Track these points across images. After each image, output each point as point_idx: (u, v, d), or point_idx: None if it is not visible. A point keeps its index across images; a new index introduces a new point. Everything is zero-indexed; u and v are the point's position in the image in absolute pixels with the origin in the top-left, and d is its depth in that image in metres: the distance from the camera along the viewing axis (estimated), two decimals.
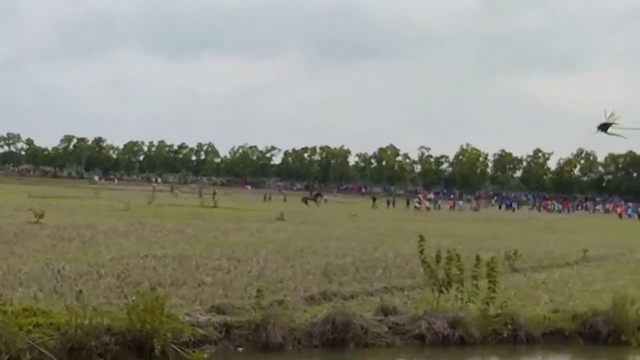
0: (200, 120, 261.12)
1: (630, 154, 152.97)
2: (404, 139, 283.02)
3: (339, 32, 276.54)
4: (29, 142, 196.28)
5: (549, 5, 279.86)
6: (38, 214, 34.12)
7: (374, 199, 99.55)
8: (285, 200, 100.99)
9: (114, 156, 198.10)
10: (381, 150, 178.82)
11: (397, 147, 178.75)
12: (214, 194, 74.88)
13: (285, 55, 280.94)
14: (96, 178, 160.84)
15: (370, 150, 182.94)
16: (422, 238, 16.92)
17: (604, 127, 2.66)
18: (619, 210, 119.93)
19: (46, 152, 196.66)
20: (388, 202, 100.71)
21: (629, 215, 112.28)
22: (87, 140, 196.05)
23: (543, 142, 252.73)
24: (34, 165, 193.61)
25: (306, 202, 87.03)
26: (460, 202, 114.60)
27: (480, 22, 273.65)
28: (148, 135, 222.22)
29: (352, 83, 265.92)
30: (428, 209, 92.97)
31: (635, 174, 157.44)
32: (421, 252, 16.82)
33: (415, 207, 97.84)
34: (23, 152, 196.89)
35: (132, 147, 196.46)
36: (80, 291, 13.98)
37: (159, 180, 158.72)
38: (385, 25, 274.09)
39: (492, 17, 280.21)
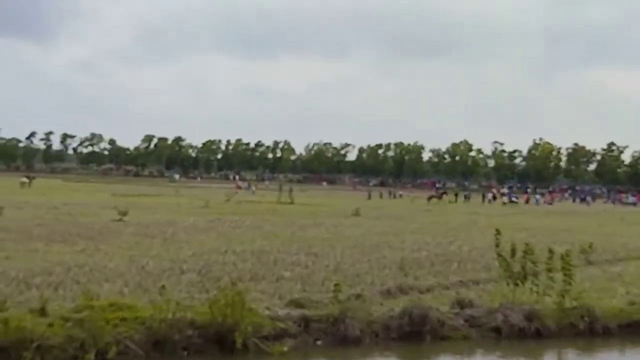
0: (276, 118, 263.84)
1: None
2: (476, 134, 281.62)
3: (410, 29, 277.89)
4: (112, 142, 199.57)
5: None
6: (121, 212, 34.97)
7: (436, 196, 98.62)
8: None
9: (193, 155, 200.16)
10: (454, 145, 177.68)
11: (471, 142, 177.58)
12: (290, 190, 75.26)
13: (357, 53, 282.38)
14: (177, 176, 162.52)
15: (443, 146, 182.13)
16: (498, 232, 17.04)
17: None
18: None
19: (128, 152, 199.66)
20: (465, 197, 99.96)
21: None
22: (167, 140, 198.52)
23: (617, 135, 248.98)
24: (116, 165, 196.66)
25: (429, 200, 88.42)
26: (537, 196, 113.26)
27: (550, 16, 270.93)
28: (225, 133, 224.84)
29: (424, 80, 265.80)
30: (504, 203, 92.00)
31: None
32: (497, 245, 16.93)
33: (489, 201, 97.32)
34: (106, 152, 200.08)
35: (210, 146, 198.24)
36: (164, 286, 14.40)
37: (237, 177, 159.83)
38: (456, 22, 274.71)
39: (561, 11, 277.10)
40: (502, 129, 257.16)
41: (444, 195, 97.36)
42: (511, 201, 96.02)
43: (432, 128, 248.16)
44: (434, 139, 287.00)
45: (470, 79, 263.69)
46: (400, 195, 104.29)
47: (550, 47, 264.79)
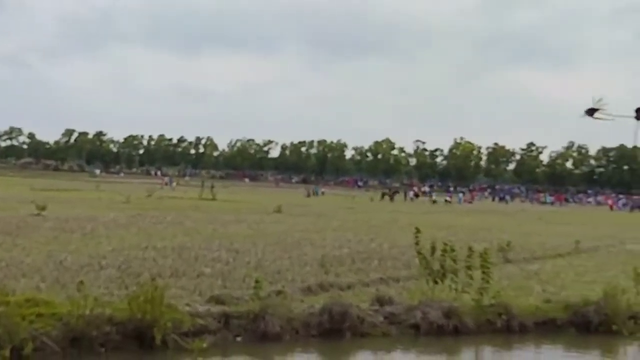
0: (201, 116, 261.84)
1: (622, 147, 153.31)
2: (401, 133, 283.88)
3: (340, 28, 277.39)
4: (31, 136, 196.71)
5: (546, 1, 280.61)
6: (40, 207, 34.46)
7: (388, 194, 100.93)
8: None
9: (115, 150, 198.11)
10: (377, 143, 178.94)
11: (393, 140, 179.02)
12: (212, 186, 75.04)
13: (285, 51, 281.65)
14: (97, 171, 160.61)
15: (366, 144, 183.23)
16: (418, 230, 17.21)
17: (590, 112, 2.87)
18: (610, 202, 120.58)
19: (48, 146, 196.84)
20: (390, 196, 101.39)
21: (619, 208, 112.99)
22: (88, 134, 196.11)
23: (536, 136, 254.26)
24: (35, 159, 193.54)
25: (382, 197, 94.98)
26: (460, 195, 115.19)
27: (479, 18, 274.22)
28: (148, 129, 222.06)
29: (351, 78, 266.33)
30: (434, 202, 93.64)
31: (626, 167, 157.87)
32: (417, 243, 17.11)
33: (411, 198, 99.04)
34: (25, 146, 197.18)
35: (132, 141, 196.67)
36: (82, 282, 14.17)
37: (159, 173, 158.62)
38: (386, 22, 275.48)
39: (490, 14, 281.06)
40: (427, 129, 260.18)
41: (396, 194, 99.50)
42: (446, 200, 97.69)
43: (358, 127, 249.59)
44: (358, 137, 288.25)
45: (398, 79, 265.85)
46: (323, 193, 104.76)
47: (478, 49, 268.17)
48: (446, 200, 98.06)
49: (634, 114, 3.12)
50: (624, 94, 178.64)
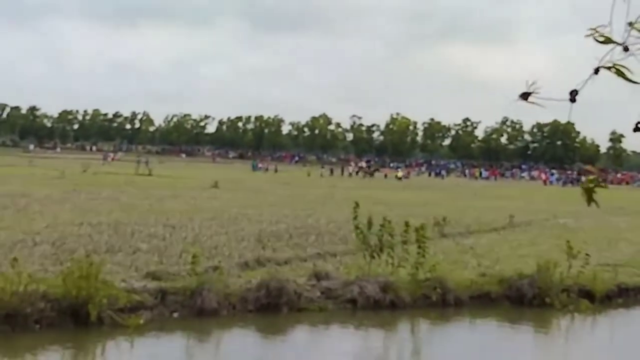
0: (136, 90, 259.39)
1: (555, 123, 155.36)
2: (337, 109, 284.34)
3: (276, 3, 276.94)
4: None
5: None
6: None
7: (367, 171, 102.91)
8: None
9: (49, 125, 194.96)
10: (314, 119, 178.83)
11: (330, 116, 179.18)
12: (147, 162, 74.39)
13: (221, 25, 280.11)
14: (31, 146, 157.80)
15: (303, 120, 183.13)
16: (357, 205, 17.26)
17: (524, 97, 2.90)
18: (543, 177, 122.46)
19: None
20: (370, 173, 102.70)
21: (551, 182, 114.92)
22: (21, 109, 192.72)
23: (471, 111, 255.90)
24: None
25: (364, 175, 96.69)
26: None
27: None
28: (83, 104, 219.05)
29: (288, 53, 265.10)
30: (400, 178, 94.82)
31: (559, 143, 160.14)
32: (355, 217, 17.16)
33: (349, 174, 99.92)
34: None
35: (66, 116, 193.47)
36: (15, 259, 13.95)
37: (94, 148, 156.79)
38: None
39: None
40: (362, 104, 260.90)
41: (376, 172, 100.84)
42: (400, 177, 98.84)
43: (294, 102, 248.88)
44: (295, 112, 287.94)
45: (333, 54, 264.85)
46: (263, 169, 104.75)
47: (413, 24, 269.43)
48: (400, 177, 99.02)
49: (569, 97, 3.14)
50: (557, 71, 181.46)
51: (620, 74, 3.09)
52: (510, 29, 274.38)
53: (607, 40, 3.12)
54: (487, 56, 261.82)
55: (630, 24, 3.12)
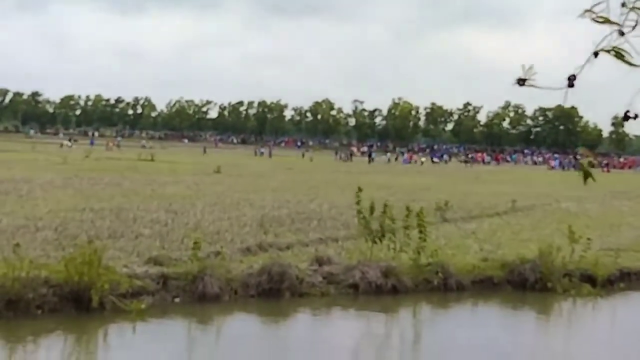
0: (139, 75, 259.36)
1: (558, 107, 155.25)
2: (340, 93, 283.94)
3: None
4: None
5: None
6: None
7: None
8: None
9: (51, 110, 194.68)
10: (316, 104, 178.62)
11: (332, 101, 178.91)
12: (150, 147, 74.54)
13: (225, 9, 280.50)
14: (32, 132, 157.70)
15: (306, 105, 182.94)
16: (360, 189, 17.23)
17: (521, 82, 2.88)
18: (551, 163, 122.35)
19: None
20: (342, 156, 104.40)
21: (553, 167, 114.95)
22: (23, 95, 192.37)
23: (474, 96, 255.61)
24: None
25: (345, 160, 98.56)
26: (405, 156, 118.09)
27: None
28: (86, 89, 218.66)
29: (291, 38, 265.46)
30: (422, 162, 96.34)
31: (562, 127, 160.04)
32: (358, 202, 17.15)
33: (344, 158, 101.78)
34: None
35: (68, 102, 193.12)
36: (18, 244, 13.98)
37: (96, 134, 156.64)
38: None
39: None
40: (368, 89, 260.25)
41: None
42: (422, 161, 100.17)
43: (298, 87, 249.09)
44: (298, 98, 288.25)
45: (338, 38, 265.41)
46: (262, 154, 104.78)
47: (422, 9, 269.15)
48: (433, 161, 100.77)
49: (567, 82, 3.10)
50: (566, 55, 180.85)
51: (619, 56, 3.07)
52: (520, 14, 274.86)
53: (605, 21, 3.10)
54: (495, 41, 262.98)
55: (624, 4, 3.10)
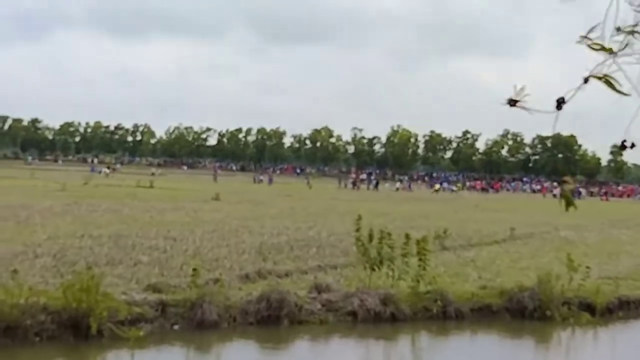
0: (138, 102, 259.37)
1: (556, 135, 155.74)
2: (340, 121, 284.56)
3: (280, 14, 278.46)
4: None
5: None
6: None
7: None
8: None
9: (50, 137, 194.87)
10: (315, 131, 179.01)
11: (332, 128, 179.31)
12: (152, 173, 74.46)
13: (225, 36, 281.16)
14: (30, 158, 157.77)
15: (305, 132, 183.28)
16: (360, 217, 17.27)
17: (512, 103, 2.91)
18: (555, 191, 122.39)
19: None
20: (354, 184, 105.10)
21: (555, 196, 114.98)
22: (23, 121, 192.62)
23: (473, 124, 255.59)
24: None
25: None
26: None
27: (422, 5, 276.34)
28: (85, 116, 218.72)
29: (293, 66, 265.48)
30: (437, 191, 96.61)
31: (560, 155, 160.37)
32: (357, 230, 17.17)
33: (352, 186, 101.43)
34: None
35: (67, 128, 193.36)
36: (16, 270, 13.97)
37: (96, 161, 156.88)
38: (331, 8, 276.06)
39: (434, 1, 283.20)
40: (368, 117, 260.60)
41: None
42: (437, 190, 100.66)
43: (298, 114, 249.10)
44: (299, 124, 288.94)
45: (341, 66, 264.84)
46: (261, 181, 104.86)
47: (422, 37, 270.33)
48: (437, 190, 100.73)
49: (555, 104, 3.12)
50: (565, 82, 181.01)
51: (609, 84, 3.10)
52: (519, 42, 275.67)
53: (601, 48, 3.13)
54: (493, 69, 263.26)
55: (619, 29, 3.14)
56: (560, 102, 3.14)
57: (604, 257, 25.14)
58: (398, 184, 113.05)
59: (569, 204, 3.33)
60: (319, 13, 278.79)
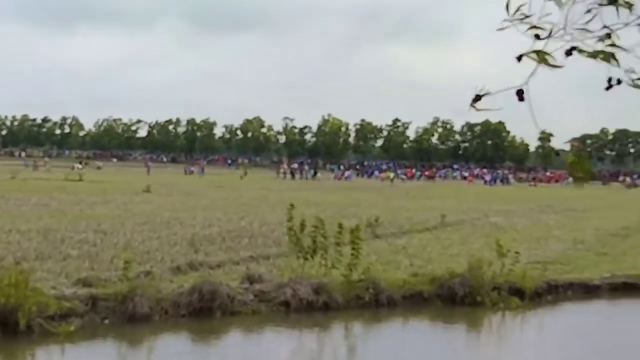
0: (71, 94, 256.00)
1: (486, 122, 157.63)
2: (271, 110, 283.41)
3: (212, 3, 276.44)
4: None
5: None
6: None
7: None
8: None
9: None
10: (247, 121, 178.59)
11: (264, 118, 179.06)
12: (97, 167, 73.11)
13: (156, 27, 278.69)
14: None
15: (237, 122, 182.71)
16: (292, 206, 17.29)
17: (476, 100, 2.92)
18: (486, 178, 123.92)
19: None
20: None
21: (487, 182, 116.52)
22: None
23: (403, 112, 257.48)
24: None
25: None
26: (348, 172, 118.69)
27: None
28: (13, 110, 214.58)
29: (224, 55, 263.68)
30: (392, 180, 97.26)
31: (489, 142, 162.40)
32: (290, 220, 17.19)
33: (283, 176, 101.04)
34: None
35: None
36: None
37: (24, 154, 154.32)
38: None
39: None
40: (299, 106, 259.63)
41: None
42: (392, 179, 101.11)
43: (229, 105, 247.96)
44: (229, 116, 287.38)
45: (273, 55, 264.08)
46: (192, 172, 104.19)
47: (357, 26, 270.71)
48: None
49: (517, 97, 3.16)
50: (499, 71, 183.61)
51: (542, 60, 3.12)
52: (447, 30, 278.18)
53: (532, 27, 3.16)
54: (423, 57, 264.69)
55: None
56: (520, 94, 3.16)
57: (533, 242, 25.53)
58: (347, 173, 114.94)
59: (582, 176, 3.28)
60: (251, 2, 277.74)
